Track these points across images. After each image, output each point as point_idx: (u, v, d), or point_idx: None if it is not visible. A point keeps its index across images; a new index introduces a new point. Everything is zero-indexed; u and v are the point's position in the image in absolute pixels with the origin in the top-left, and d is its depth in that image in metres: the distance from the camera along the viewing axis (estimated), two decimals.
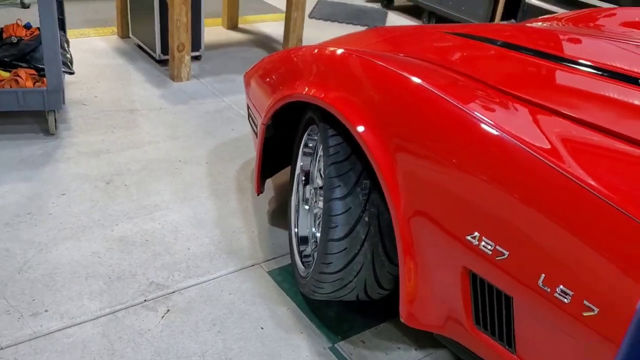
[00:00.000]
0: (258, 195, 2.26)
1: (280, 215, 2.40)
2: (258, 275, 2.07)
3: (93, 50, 3.76)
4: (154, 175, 2.56)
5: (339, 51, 1.83)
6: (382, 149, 1.53)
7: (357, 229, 1.68)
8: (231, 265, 2.09)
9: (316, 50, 1.94)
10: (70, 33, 3.91)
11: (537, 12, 4.28)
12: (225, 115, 3.16)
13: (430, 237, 1.45)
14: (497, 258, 1.33)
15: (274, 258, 2.16)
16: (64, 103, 2.79)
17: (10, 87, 2.56)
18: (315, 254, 2.01)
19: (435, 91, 1.47)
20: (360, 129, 1.57)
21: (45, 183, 2.42)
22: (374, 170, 1.67)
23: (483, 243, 1.35)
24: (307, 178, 2.08)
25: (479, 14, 4.53)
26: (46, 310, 1.82)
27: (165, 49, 3.55)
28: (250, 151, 2.83)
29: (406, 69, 1.60)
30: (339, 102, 1.66)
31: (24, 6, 4.21)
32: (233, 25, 4.44)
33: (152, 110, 3.11)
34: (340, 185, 1.67)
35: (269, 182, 2.60)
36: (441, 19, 5.04)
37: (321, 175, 1.98)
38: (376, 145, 1.54)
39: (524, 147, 1.27)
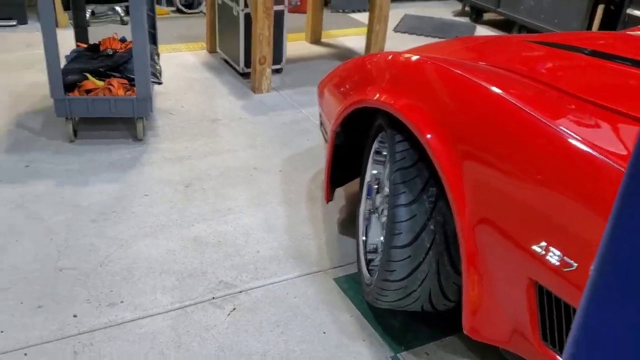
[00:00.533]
0: (327, 202, 2.28)
1: (349, 224, 2.41)
2: (323, 281, 2.08)
3: (184, 64, 3.96)
4: (231, 181, 2.65)
5: (414, 58, 1.83)
6: (449, 156, 1.52)
7: (421, 237, 1.66)
8: (297, 269, 2.13)
9: (390, 57, 1.95)
10: (163, 48, 4.14)
11: None
12: (302, 126, 3.22)
13: (495, 246, 1.41)
14: (565, 269, 1.27)
15: (340, 266, 2.17)
16: (152, 111, 2.96)
17: (104, 95, 2.75)
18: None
19: (510, 100, 1.44)
20: (428, 135, 1.57)
21: (131, 185, 2.56)
22: (440, 179, 1.65)
23: (550, 254, 1.30)
24: (379, 186, 2.09)
25: (573, 26, 4.37)
26: (122, 302, 1.92)
27: (248, 62, 3.68)
28: (323, 161, 2.87)
29: (483, 77, 1.58)
30: (407, 108, 1.66)
31: (123, 23, 4.51)
32: (316, 40, 4.54)
33: (234, 120, 3.23)
34: (405, 192, 1.66)
35: (339, 192, 2.62)
36: (533, 33, 4.90)
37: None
38: (443, 153, 1.53)
39: (606, 159, 1.22)
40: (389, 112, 1.73)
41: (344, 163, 2.30)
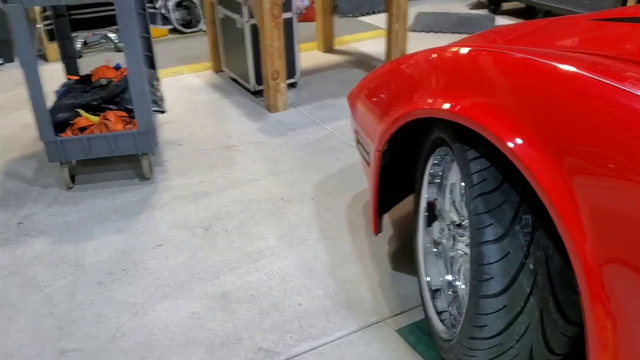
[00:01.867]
0: (376, 234, 1.90)
1: (404, 257, 2.02)
2: (385, 334, 1.69)
3: (187, 88, 3.61)
4: (256, 217, 2.28)
5: (466, 50, 1.45)
6: (549, 169, 1.12)
7: (519, 280, 1.27)
8: (352, 323, 1.74)
9: (434, 55, 1.57)
10: (164, 72, 3.80)
11: None
12: (328, 144, 2.84)
13: (635, 288, 1.01)
14: None
15: (402, 312, 1.78)
16: (157, 144, 2.59)
17: (100, 131, 2.39)
18: (453, 309, 1.62)
19: (628, 89, 1.05)
20: (513, 143, 1.18)
21: (141, 233, 2.19)
22: (535, 201, 1.26)
23: None
24: (433, 213, 1.70)
25: (605, 5, 3.97)
26: None
27: (259, 79, 3.31)
28: (359, 182, 2.48)
29: (571, 63, 1.19)
30: (476, 110, 1.28)
31: (118, 50, 4.17)
32: (328, 48, 4.17)
33: (250, 145, 2.86)
34: (492, 224, 1.27)
35: (387, 218, 2.24)
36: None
37: (456, 209, 1.60)
38: (540, 164, 1.13)
39: None
40: (452, 119, 1.35)
41: (391, 185, 1.92)
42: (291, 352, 1.64)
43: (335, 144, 2.84)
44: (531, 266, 1.27)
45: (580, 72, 1.13)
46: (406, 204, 2.25)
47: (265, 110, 3.23)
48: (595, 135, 1.05)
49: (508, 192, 1.28)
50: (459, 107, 1.33)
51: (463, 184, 1.40)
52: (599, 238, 1.04)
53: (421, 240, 1.75)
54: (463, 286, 1.59)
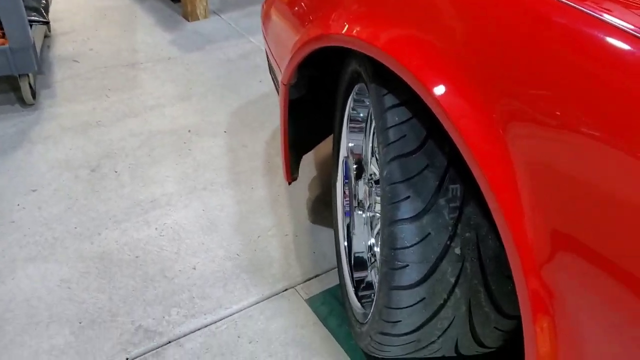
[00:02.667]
0: (289, 183, 1.58)
1: (325, 207, 1.72)
2: (292, 306, 1.42)
3: None
4: (155, 154, 1.92)
5: None
6: (484, 125, 0.80)
7: (441, 268, 0.98)
8: (254, 292, 1.45)
9: None
10: None
11: None
12: (253, 61, 2.44)
13: (590, 277, 0.72)
14: None
15: (315, 276, 1.50)
16: (38, 64, 2.15)
17: None
18: (374, 279, 1.34)
19: (599, 16, 0.71)
20: (440, 90, 0.84)
21: (13, 175, 1.82)
22: (467, 167, 0.94)
23: None
24: (359, 167, 1.38)
25: None
26: None
27: None
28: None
29: None
30: (400, 45, 0.92)
31: None
32: None
33: (159, 62, 2.44)
34: (409, 197, 0.96)
35: (310, 158, 1.91)
36: None
37: (377, 159, 1.28)
38: (471, 119, 0.81)
39: None
40: (370, 54, 0.99)
41: (309, 122, 1.58)
42: (175, 332, 1.35)
43: (261, 61, 2.45)
44: (457, 250, 0.97)
45: None
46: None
47: (182, 19, 2.77)
48: (545, 75, 0.72)
49: (432, 154, 0.96)
50: (376, 37, 0.97)
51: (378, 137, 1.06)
52: (540, 212, 0.73)
53: (340, 194, 1.44)
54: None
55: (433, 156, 0.96)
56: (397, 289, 1.00)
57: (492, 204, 0.79)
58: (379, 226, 1.33)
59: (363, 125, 1.35)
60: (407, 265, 0.97)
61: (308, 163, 1.88)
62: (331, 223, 1.64)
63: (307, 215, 1.68)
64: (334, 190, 1.47)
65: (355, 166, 1.38)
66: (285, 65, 1.30)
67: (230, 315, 1.39)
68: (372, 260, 1.34)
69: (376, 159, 1.30)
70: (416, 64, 0.88)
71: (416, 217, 0.96)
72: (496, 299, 1.01)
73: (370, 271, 1.34)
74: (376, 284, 1.13)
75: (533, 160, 0.73)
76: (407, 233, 0.96)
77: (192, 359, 1.29)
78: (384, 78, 1.02)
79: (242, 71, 2.37)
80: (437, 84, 0.84)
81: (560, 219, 0.71)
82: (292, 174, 1.57)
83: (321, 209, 1.70)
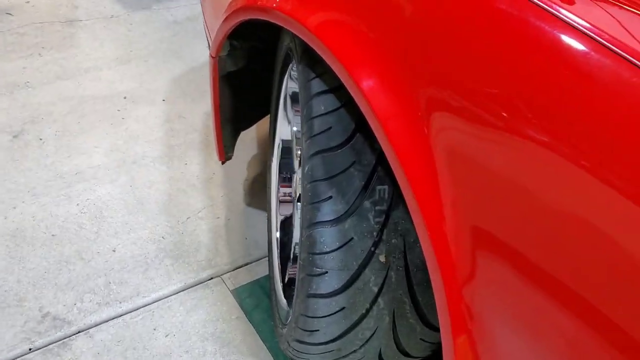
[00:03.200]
0: (223, 163, 1.47)
1: (263, 188, 1.61)
2: (216, 297, 1.32)
3: None
4: (85, 122, 1.78)
5: None
6: (406, 118, 0.70)
7: (364, 277, 0.89)
8: (176, 279, 1.35)
9: None
10: None
11: None
12: (201, 25, 2.29)
13: (513, 283, 0.64)
14: None
15: (245, 265, 1.41)
16: None
17: None
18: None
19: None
20: (369, 84, 0.74)
21: None
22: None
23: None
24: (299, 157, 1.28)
25: None
26: None
27: None
28: None
29: None
30: (329, 28, 0.81)
31: None
32: None
33: (100, 21, 2.26)
34: (331, 197, 0.86)
35: (251, 135, 1.79)
36: None
37: None
38: (397, 114, 0.71)
39: None
40: (296, 33, 0.88)
41: (249, 94, 1.46)
42: (86, 322, 1.25)
43: None
44: (382, 258, 0.88)
45: None
46: None
47: None
48: (466, 67, 0.63)
49: (360, 150, 0.86)
50: (305, 15, 0.86)
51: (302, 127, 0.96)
52: (460, 212, 0.65)
53: (275, 181, 1.33)
54: None
55: (361, 152, 0.86)
56: (315, 296, 0.91)
57: (411, 205, 0.70)
58: None
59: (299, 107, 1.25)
60: (327, 272, 0.88)
61: (250, 139, 1.76)
62: (264, 207, 1.54)
63: (242, 196, 1.58)
64: (269, 174, 1.37)
65: (299, 152, 1.27)
66: (214, 35, 1.18)
67: (148, 304, 1.29)
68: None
69: None
70: (348, 51, 0.78)
71: (338, 220, 0.86)
72: (422, 310, 0.93)
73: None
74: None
75: (454, 157, 0.64)
76: (328, 237, 0.87)
77: (101, 351, 1.19)
78: (314, 59, 0.91)
79: (189, 34, 2.22)
80: (366, 76, 0.74)
81: (480, 220, 0.63)
82: (226, 152, 1.46)
83: (258, 191, 1.60)
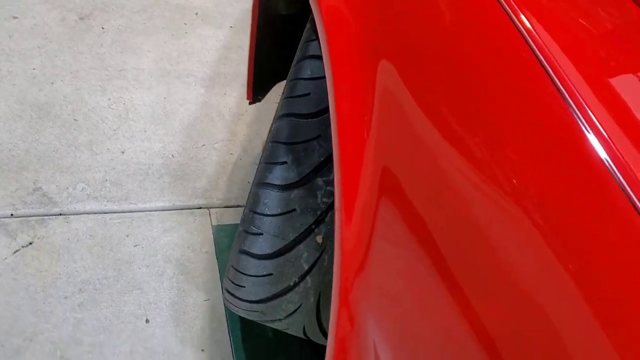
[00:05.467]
0: (250, 103, 1.46)
1: None
2: (196, 226, 1.34)
3: None
4: (150, 24, 1.81)
5: None
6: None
7: (297, 251, 0.87)
8: (166, 198, 1.37)
9: None
10: None
11: None
12: None
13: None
14: None
15: (237, 206, 1.41)
16: None
17: None
18: None
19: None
20: (340, 49, 0.70)
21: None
22: None
23: None
24: None
25: None
26: None
27: None
28: None
29: None
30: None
31: None
32: None
33: None
34: (285, 163, 0.83)
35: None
36: None
37: None
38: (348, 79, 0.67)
39: None
40: None
41: (286, 42, 1.43)
42: (70, 208, 1.30)
43: None
44: (319, 239, 0.85)
45: None
46: None
47: None
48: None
49: (329, 126, 0.82)
50: None
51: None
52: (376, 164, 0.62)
53: None
54: None
55: (328, 129, 0.82)
56: (246, 254, 0.89)
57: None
58: None
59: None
60: (262, 234, 0.86)
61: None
62: None
63: (262, 142, 1.57)
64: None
65: None
66: None
67: (131, 212, 1.33)
68: None
69: None
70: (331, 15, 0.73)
71: (286, 187, 0.84)
72: None
73: None
74: None
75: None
76: (271, 200, 0.85)
77: (71, 238, 1.24)
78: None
79: None
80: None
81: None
82: (255, 94, 1.44)
83: None
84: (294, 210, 0.84)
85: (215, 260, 1.28)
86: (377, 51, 0.65)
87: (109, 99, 1.55)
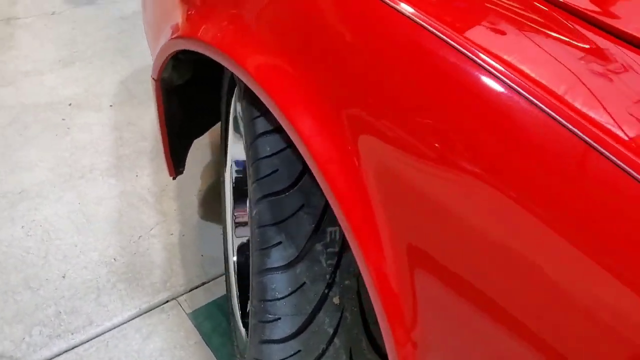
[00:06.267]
0: (174, 178, 1.41)
1: (218, 199, 1.56)
2: (173, 321, 1.28)
3: None
4: (28, 133, 1.69)
5: None
6: (348, 162, 0.67)
7: (318, 320, 0.87)
8: (130, 305, 1.30)
9: None
10: None
11: None
12: None
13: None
14: None
15: (202, 284, 1.37)
16: None
17: None
18: None
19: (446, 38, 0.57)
20: (307, 126, 0.70)
21: None
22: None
23: None
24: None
25: None
26: None
27: None
28: None
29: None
30: (266, 69, 0.77)
31: None
32: None
33: (41, 18, 2.14)
34: (281, 243, 0.83)
35: (204, 141, 1.72)
36: None
37: None
38: (333, 155, 0.68)
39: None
40: (231, 69, 0.83)
41: (198, 102, 1.40)
42: (36, 358, 1.20)
43: None
44: (336, 300, 0.86)
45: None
46: None
47: None
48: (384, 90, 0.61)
49: (308, 191, 0.83)
50: (239, 52, 0.81)
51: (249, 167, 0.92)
52: (396, 243, 0.64)
53: (229, 204, 1.29)
54: None
55: (309, 194, 0.83)
56: (268, 342, 0.88)
57: (353, 245, 0.68)
58: None
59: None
60: (280, 319, 0.86)
61: (204, 145, 1.71)
62: (219, 220, 1.49)
63: (196, 209, 1.53)
64: (222, 192, 1.33)
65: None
66: (154, 57, 1.11)
67: (102, 334, 1.25)
68: None
69: None
70: (285, 93, 0.73)
71: (289, 266, 0.83)
72: (379, 346, 0.92)
73: None
74: None
75: (384, 183, 0.63)
76: (279, 283, 0.84)
77: None
78: (253, 98, 0.86)
79: (137, 31, 2.12)
80: (305, 119, 0.71)
81: (417, 256, 0.62)
82: (177, 167, 1.40)
83: (213, 203, 1.55)
84: (304, 283, 0.84)
85: (208, 347, 1.24)
86: (350, 115, 0.66)
87: (23, 227, 1.44)
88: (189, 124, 1.38)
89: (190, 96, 1.29)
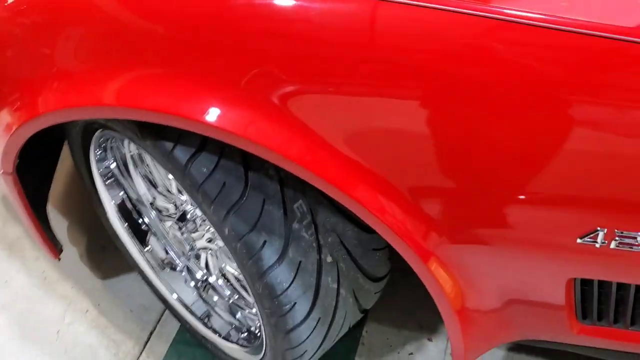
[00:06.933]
0: (59, 260, 1.29)
1: (113, 252, 1.46)
2: None
3: None
4: None
5: None
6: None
7: (323, 283, 0.93)
8: None
9: None
10: None
11: None
12: None
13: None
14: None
15: (151, 333, 1.31)
16: None
17: None
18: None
19: None
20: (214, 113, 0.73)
21: None
22: (296, 178, 0.84)
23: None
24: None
25: None
26: None
27: None
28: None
29: None
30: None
31: None
32: None
33: None
34: (266, 242, 0.86)
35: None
36: None
37: (166, 198, 1.13)
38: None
39: None
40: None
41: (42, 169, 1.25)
42: None
43: None
44: (329, 258, 0.93)
45: None
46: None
47: None
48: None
49: (261, 185, 0.86)
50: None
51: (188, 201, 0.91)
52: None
53: (136, 249, 1.23)
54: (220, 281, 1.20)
55: (263, 186, 0.86)
56: (293, 329, 0.93)
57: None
58: (202, 259, 1.20)
59: (119, 175, 1.15)
60: (295, 303, 0.90)
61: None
62: (127, 268, 1.41)
63: (91, 275, 1.42)
64: (117, 242, 1.26)
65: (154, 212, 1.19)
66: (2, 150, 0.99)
67: None
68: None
69: (165, 197, 1.14)
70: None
71: (282, 256, 0.87)
72: (370, 274, 1.01)
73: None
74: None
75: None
76: (281, 275, 0.88)
77: None
78: (155, 131, 0.83)
79: None
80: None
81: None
82: (56, 246, 1.28)
83: (106, 258, 1.45)
84: (300, 262, 0.88)
85: None
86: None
87: None
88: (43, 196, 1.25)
89: (42, 169, 1.17)
